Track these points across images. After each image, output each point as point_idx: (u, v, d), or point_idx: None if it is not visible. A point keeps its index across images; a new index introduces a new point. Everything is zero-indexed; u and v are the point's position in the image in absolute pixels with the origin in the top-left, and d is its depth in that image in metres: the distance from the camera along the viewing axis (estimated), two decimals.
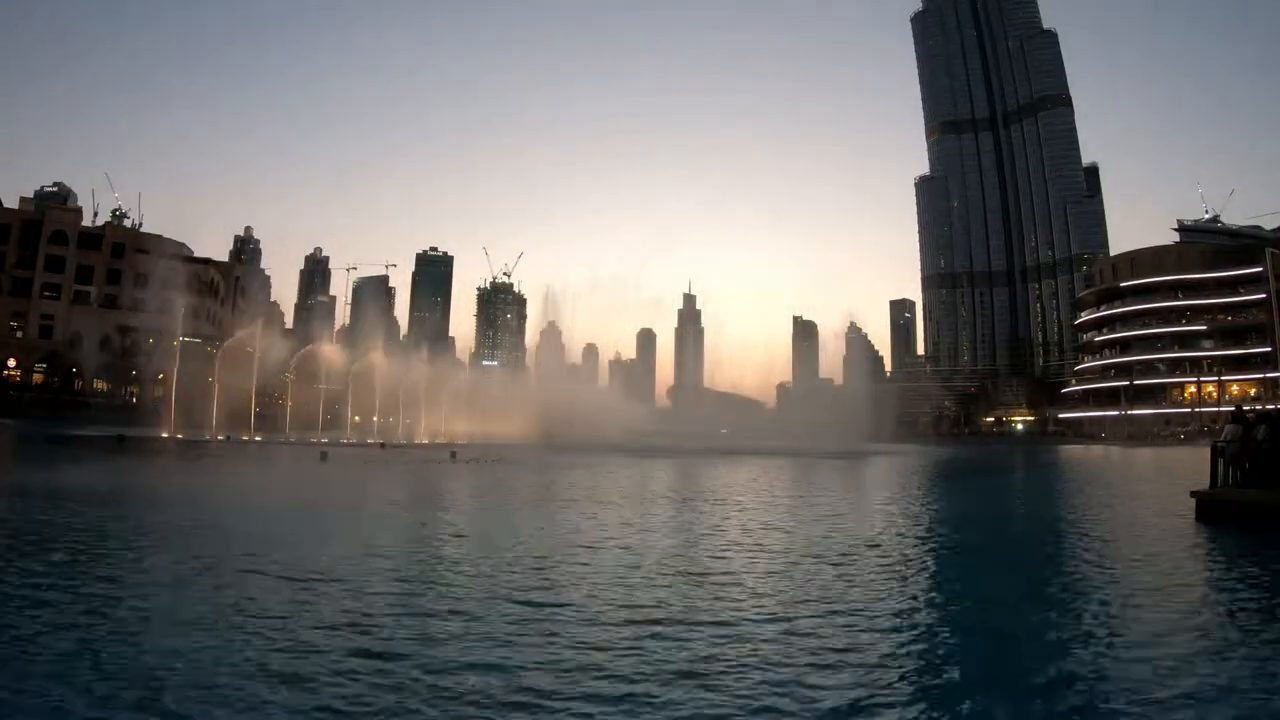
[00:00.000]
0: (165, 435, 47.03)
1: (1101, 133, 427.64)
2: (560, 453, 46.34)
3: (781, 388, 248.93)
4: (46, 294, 77.80)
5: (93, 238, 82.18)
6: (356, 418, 72.38)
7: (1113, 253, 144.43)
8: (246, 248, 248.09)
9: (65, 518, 12.03)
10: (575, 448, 54.61)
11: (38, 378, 75.40)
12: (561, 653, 5.86)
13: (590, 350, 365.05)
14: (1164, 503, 17.64)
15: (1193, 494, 14.54)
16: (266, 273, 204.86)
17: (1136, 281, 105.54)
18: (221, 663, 5.39)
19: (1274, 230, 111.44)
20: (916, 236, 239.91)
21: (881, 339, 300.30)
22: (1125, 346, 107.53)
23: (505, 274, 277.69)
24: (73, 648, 5.60)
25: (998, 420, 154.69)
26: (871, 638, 6.46)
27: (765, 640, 6.28)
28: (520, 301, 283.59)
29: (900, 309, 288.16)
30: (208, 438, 47.62)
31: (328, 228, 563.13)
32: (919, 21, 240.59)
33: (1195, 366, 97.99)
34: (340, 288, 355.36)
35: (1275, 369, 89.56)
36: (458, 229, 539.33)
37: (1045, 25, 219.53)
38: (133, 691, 4.81)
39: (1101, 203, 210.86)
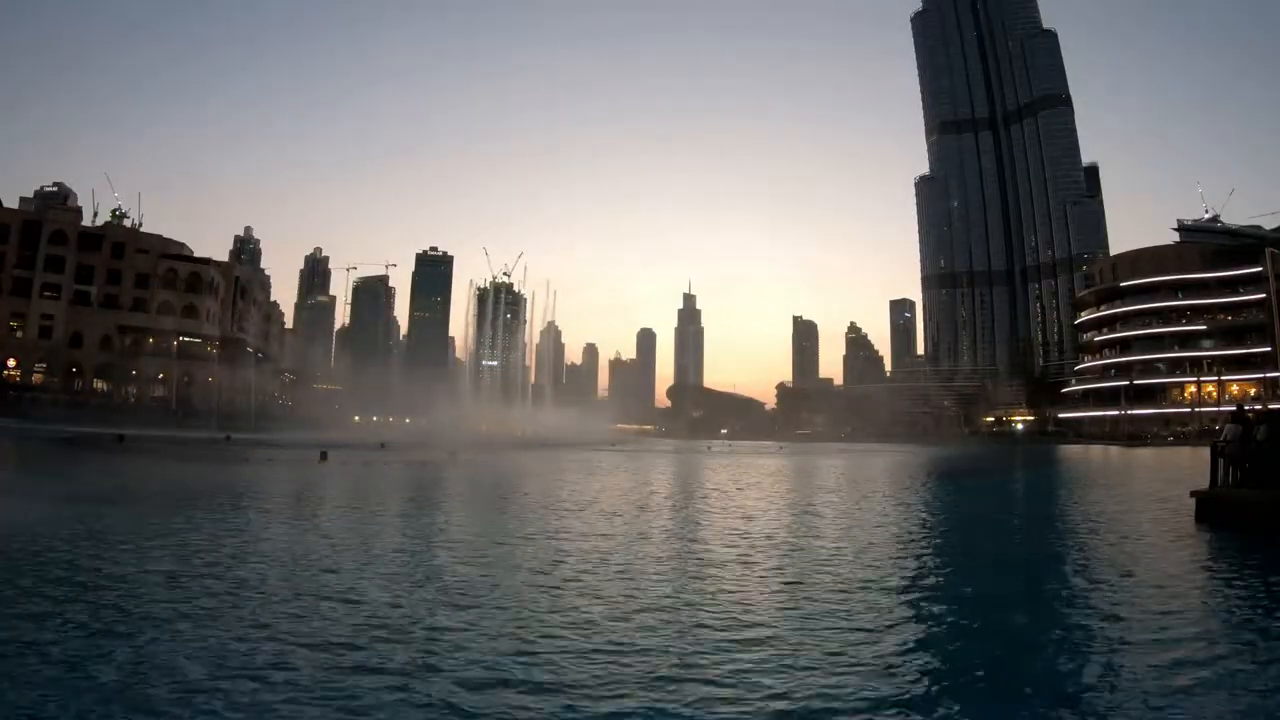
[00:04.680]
0: (165, 435, 47.04)
1: (1101, 133, 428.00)
2: (556, 450, 46.40)
3: (781, 387, 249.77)
4: (46, 294, 77.59)
5: (93, 238, 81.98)
6: (356, 418, 72.63)
7: (1113, 253, 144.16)
8: (246, 248, 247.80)
9: None
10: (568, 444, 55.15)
11: (37, 378, 75.24)
12: None
13: (590, 350, 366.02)
14: (1164, 503, 17.64)
15: (1193, 494, 14.52)
16: (266, 273, 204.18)
17: (1136, 281, 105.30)
18: None
19: (1274, 230, 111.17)
20: (916, 236, 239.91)
21: (881, 339, 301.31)
22: (1125, 346, 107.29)
23: (505, 274, 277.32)
24: None
25: (998, 420, 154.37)
26: (870, 634, 6.47)
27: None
28: (520, 302, 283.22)
29: (900, 309, 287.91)
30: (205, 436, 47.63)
31: (328, 228, 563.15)
32: (919, 21, 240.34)
33: (1195, 366, 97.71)
34: (340, 288, 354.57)
35: (1275, 369, 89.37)
36: (458, 229, 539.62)
37: (1045, 25, 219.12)
38: None
39: (1101, 203, 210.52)
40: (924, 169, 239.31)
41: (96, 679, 5.06)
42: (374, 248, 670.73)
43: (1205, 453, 15.28)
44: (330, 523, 13.61)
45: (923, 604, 7.99)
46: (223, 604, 7.16)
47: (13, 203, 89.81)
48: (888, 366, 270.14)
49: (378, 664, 5.53)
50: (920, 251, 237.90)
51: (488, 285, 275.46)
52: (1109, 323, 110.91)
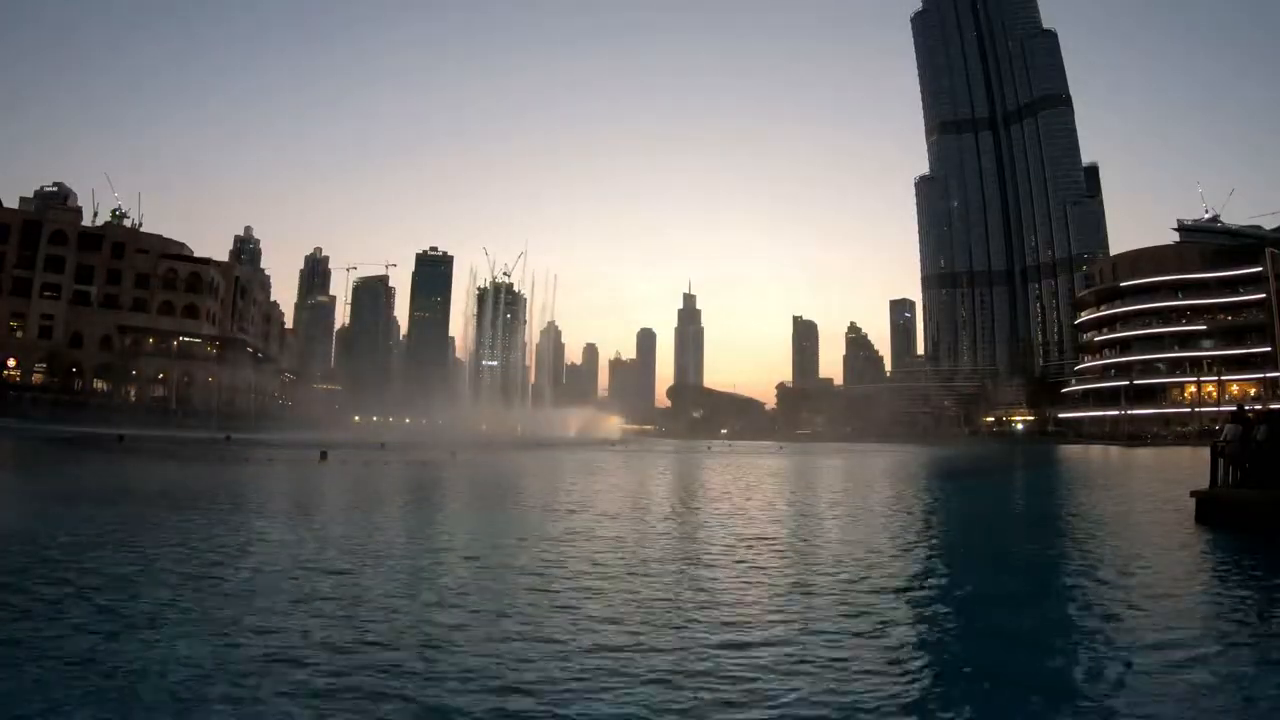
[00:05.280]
0: (165, 435, 47.06)
1: (1101, 133, 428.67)
2: (556, 450, 46.43)
3: (781, 387, 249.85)
4: (46, 294, 77.63)
5: (93, 238, 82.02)
6: (356, 417, 72.72)
7: (1113, 253, 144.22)
8: (246, 248, 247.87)
9: None
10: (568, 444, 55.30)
11: (37, 378, 75.27)
12: None
13: (590, 350, 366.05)
14: (1164, 503, 17.62)
15: (1193, 494, 14.51)
16: (266, 273, 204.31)
17: (1136, 281, 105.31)
18: None
19: (1274, 230, 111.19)
20: (916, 236, 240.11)
21: (881, 339, 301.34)
22: (1125, 346, 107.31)
23: (505, 274, 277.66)
24: None
25: (998, 420, 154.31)
26: (871, 634, 6.47)
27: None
28: (520, 302, 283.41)
29: (900, 309, 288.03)
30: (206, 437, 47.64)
31: (328, 228, 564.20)
32: (919, 21, 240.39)
33: (1195, 366, 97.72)
34: (340, 288, 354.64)
35: (1275, 369, 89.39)
36: (458, 229, 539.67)
37: (1045, 25, 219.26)
38: None
39: (1101, 203, 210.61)
40: (924, 169, 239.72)
41: (95, 680, 5.05)
42: (374, 248, 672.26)
43: (1205, 453, 15.26)
44: (330, 523, 13.60)
45: (924, 604, 7.99)
46: (223, 604, 7.16)
47: (13, 203, 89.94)
48: (888, 366, 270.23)
49: (375, 665, 5.53)
50: (920, 251, 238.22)
51: (487, 285, 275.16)
52: (1109, 323, 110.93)
